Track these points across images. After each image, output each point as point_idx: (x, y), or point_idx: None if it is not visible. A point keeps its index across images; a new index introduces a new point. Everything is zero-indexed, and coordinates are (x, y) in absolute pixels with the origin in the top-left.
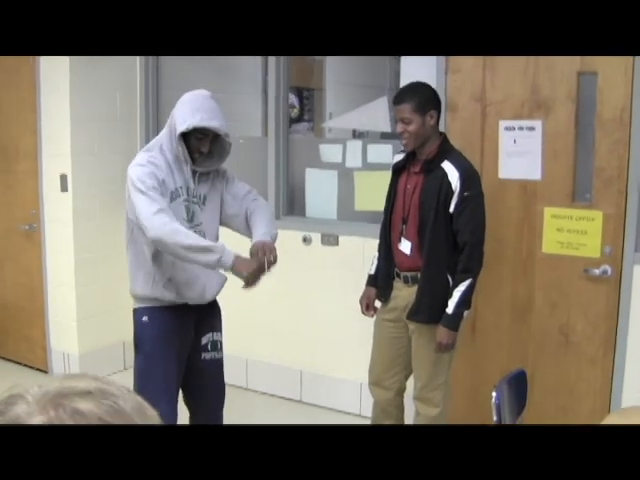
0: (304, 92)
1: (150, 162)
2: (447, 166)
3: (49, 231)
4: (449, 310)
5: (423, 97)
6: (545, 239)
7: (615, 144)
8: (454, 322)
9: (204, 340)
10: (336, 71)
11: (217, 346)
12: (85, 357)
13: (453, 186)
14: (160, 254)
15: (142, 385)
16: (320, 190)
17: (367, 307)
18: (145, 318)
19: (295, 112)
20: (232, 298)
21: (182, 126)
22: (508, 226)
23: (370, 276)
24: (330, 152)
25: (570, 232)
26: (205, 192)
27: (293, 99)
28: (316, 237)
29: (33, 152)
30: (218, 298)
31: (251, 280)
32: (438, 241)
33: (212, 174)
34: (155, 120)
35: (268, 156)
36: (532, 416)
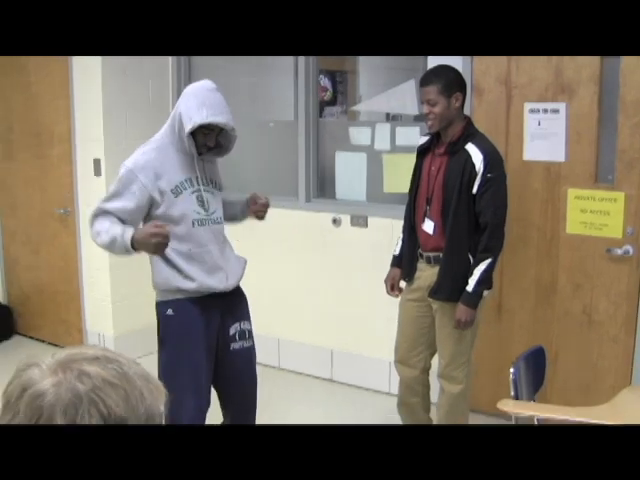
0: (337, 75)
1: (141, 166)
2: (471, 148)
3: (83, 215)
4: (469, 288)
5: (449, 79)
6: (569, 220)
7: (637, 126)
8: (473, 300)
9: (232, 330)
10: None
11: (245, 335)
12: (120, 338)
13: (477, 168)
14: (190, 250)
15: (168, 380)
16: (350, 172)
17: (392, 287)
18: (170, 311)
19: (328, 95)
20: (263, 279)
21: (189, 125)
22: (532, 207)
23: (394, 257)
24: (359, 135)
25: (593, 213)
26: (214, 177)
27: (326, 82)
28: (346, 219)
29: (67, 137)
30: (248, 282)
31: (160, 246)
32: (461, 221)
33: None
34: None
35: (298, 139)
36: (556, 393)
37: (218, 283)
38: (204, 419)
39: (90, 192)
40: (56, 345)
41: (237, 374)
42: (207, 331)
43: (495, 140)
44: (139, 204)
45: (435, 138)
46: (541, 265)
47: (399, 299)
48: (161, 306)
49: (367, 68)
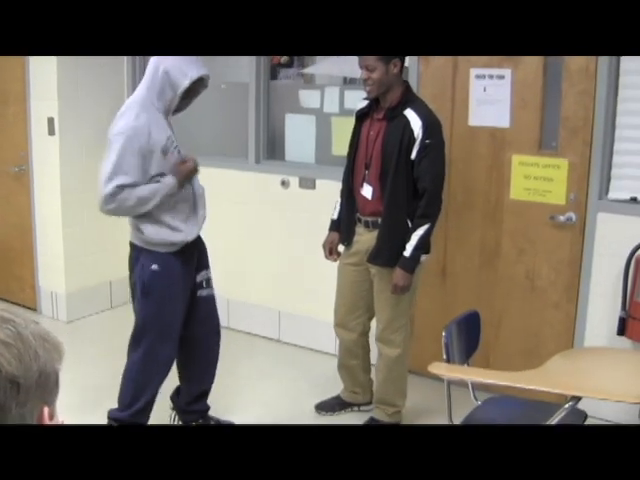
0: None
1: (136, 131)
2: (410, 114)
3: (37, 173)
4: (406, 253)
5: None
6: (513, 186)
7: (581, 94)
8: (410, 265)
9: (199, 278)
10: None
11: (210, 283)
12: (72, 296)
13: (415, 134)
14: (167, 203)
15: (145, 329)
16: (299, 135)
17: (330, 252)
18: (155, 266)
19: (285, 58)
20: (212, 239)
21: (186, 80)
22: (478, 173)
23: (332, 221)
24: (309, 98)
25: (537, 179)
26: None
27: None
28: (294, 180)
29: (21, 96)
30: None
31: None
32: (399, 187)
33: None
34: (142, 65)
35: (249, 101)
36: (499, 358)
37: (197, 230)
38: (170, 369)
39: (44, 151)
40: (9, 302)
41: (204, 318)
42: (185, 283)
43: (441, 105)
44: (144, 167)
45: (374, 103)
46: (485, 230)
47: (337, 263)
48: (145, 259)
49: None
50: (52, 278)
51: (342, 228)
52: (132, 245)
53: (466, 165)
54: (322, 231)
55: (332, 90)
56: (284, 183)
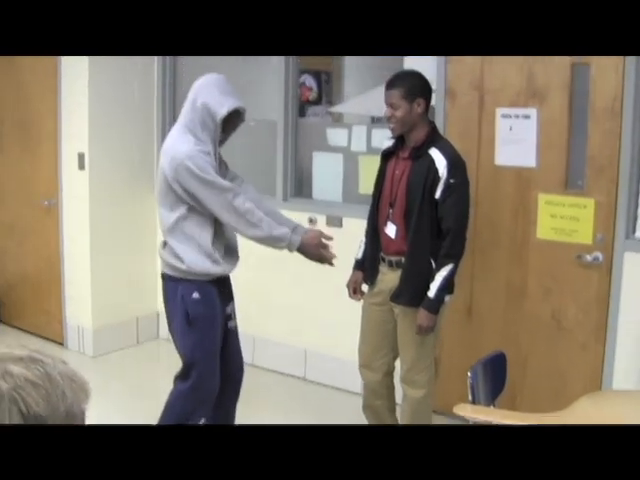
0: (322, 75)
1: (205, 152)
2: (435, 153)
3: (67, 207)
4: (430, 293)
5: (412, 85)
6: (539, 225)
7: (607, 133)
8: (434, 305)
9: (228, 310)
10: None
11: (235, 314)
12: (99, 331)
13: (440, 173)
14: (215, 235)
15: (198, 357)
16: (326, 173)
17: (354, 291)
18: (196, 294)
19: (313, 95)
20: (239, 276)
21: (223, 110)
22: (504, 212)
23: (357, 260)
24: (337, 136)
25: (563, 219)
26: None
27: (311, 82)
28: (321, 218)
29: (53, 132)
30: None
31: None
32: (423, 226)
33: None
34: (172, 104)
35: (277, 139)
36: (525, 399)
37: (232, 266)
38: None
39: (74, 185)
40: (38, 336)
41: (231, 350)
42: (221, 313)
43: (467, 144)
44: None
45: (400, 142)
46: (511, 269)
47: (362, 302)
48: (185, 289)
49: (352, 68)
50: (79, 313)
51: (366, 267)
52: (167, 277)
53: (492, 204)
54: (348, 269)
55: (360, 129)
56: (311, 221)
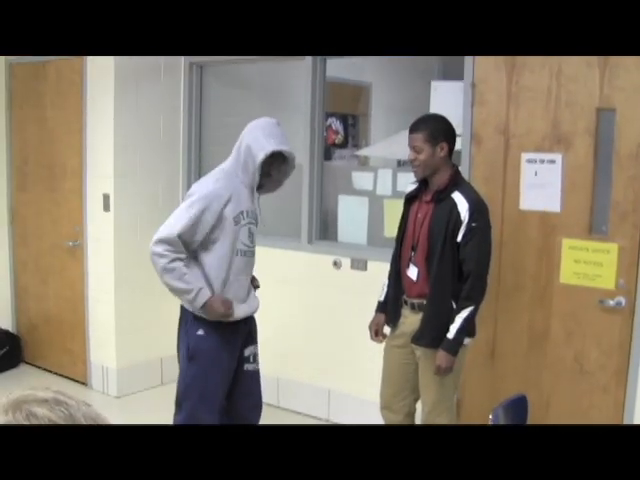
0: (349, 118)
1: (213, 193)
2: (457, 197)
3: (92, 248)
4: (450, 335)
5: (436, 128)
6: (562, 269)
7: (631, 179)
8: (453, 347)
9: (247, 352)
10: (381, 97)
11: (256, 358)
12: (123, 371)
13: (462, 216)
14: (228, 277)
15: (188, 392)
16: (352, 216)
17: (376, 333)
18: (201, 332)
19: (339, 138)
20: (264, 319)
21: (262, 153)
22: (527, 256)
23: (379, 302)
24: (362, 179)
25: (586, 263)
26: (256, 212)
27: (337, 125)
28: (346, 261)
29: (79, 172)
30: None
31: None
32: (445, 269)
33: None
34: (197, 144)
35: (302, 181)
36: None
37: (243, 312)
38: None
39: (99, 226)
40: (61, 375)
41: (247, 393)
42: (230, 354)
43: (492, 189)
44: (205, 229)
45: (423, 186)
46: (534, 312)
47: (384, 344)
48: (192, 324)
49: (378, 111)
50: (103, 353)
51: (389, 309)
52: (182, 308)
53: (516, 248)
54: (372, 312)
55: (385, 172)
56: (336, 264)
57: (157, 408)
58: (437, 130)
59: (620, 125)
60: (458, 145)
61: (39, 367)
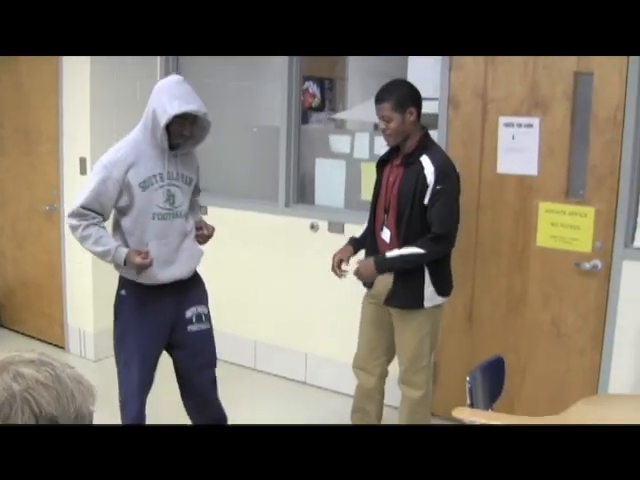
0: (325, 82)
1: (113, 162)
2: (425, 160)
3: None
4: (388, 254)
5: (401, 95)
6: (539, 233)
7: (608, 143)
8: (381, 264)
9: (188, 314)
10: (358, 61)
11: (202, 318)
12: (100, 335)
13: (428, 180)
14: (143, 240)
15: (117, 349)
16: (329, 179)
17: (339, 264)
18: (123, 291)
19: (316, 102)
20: (241, 281)
21: (164, 117)
22: (505, 219)
23: (352, 237)
24: (339, 143)
25: (563, 227)
26: (185, 172)
27: (314, 89)
28: (323, 224)
29: (55, 136)
30: (226, 284)
31: (143, 270)
32: (414, 231)
33: (190, 154)
34: None
35: (279, 145)
36: (524, 404)
37: (167, 277)
38: (146, 391)
39: (75, 190)
40: (39, 339)
41: (195, 353)
42: (156, 314)
43: (469, 153)
44: (111, 197)
45: (394, 150)
46: (512, 276)
47: (360, 306)
48: (120, 283)
49: (356, 75)
50: (81, 316)
51: None
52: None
53: (493, 212)
54: (349, 274)
55: (362, 136)
56: (313, 227)
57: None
58: (403, 96)
59: (598, 89)
60: (435, 109)
61: (17, 331)
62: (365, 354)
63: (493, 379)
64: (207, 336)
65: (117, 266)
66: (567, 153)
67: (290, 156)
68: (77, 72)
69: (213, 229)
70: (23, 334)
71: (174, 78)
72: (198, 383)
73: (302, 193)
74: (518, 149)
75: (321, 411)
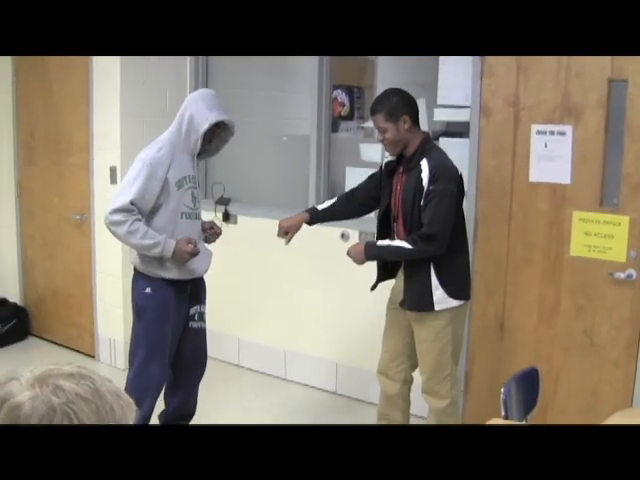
0: (354, 90)
1: (157, 161)
2: (423, 163)
3: (98, 221)
4: (378, 242)
5: (392, 104)
6: (573, 242)
7: None
8: (371, 250)
9: (192, 311)
10: (387, 69)
11: (203, 317)
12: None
13: (423, 182)
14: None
15: (137, 347)
16: None
17: (286, 231)
18: (148, 290)
19: (345, 110)
20: (271, 290)
21: (205, 123)
22: (537, 229)
23: (313, 207)
24: (369, 151)
25: (597, 236)
26: (198, 177)
27: (343, 97)
28: (354, 234)
29: (85, 145)
30: (255, 292)
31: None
32: None
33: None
34: None
35: (310, 154)
36: (556, 415)
37: (190, 274)
38: (159, 390)
39: (106, 200)
40: (68, 348)
41: (192, 349)
42: (177, 311)
43: (501, 161)
44: (155, 194)
45: (400, 157)
46: (544, 286)
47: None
48: (140, 281)
49: (384, 83)
50: (111, 325)
51: (378, 269)
52: (134, 269)
53: (525, 221)
54: (380, 285)
55: None
56: (344, 236)
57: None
58: (395, 106)
59: (632, 96)
60: (466, 117)
61: (46, 340)
62: (387, 359)
63: (527, 390)
64: (204, 335)
65: (162, 258)
66: (601, 161)
67: (320, 165)
68: (107, 82)
69: (220, 228)
70: (53, 343)
71: (209, 90)
72: (188, 378)
73: None
74: (551, 157)
75: (355, 420)
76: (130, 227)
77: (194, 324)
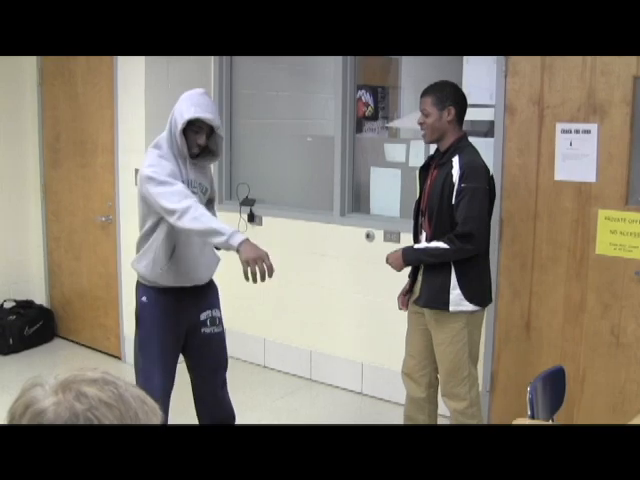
0: (379, 90)
1: (161, 157)
2: (455, 160)
3: (124, 223)
4: (415, 246)
5: (444, 93)
6: (598, 241)
7: None
8: (409, 254)
9: (203, 316)
10: (411, 69)
11: (216, 322)
12: None
13: (454, 179)
14: (175, 250)
15: (141, 354)
16: (384, 188)
17: (402, 302)
18: (144, 298)
19: (369, 110)
20: (296, 291)
21: (180, 121)
22: (563, 227)
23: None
24: (394, 151)
25: (623, 234)
26: (201, 181)
27: (368, 98)
28: (379, 234)
29: (110, 147)
30: (281, 294)
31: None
32: (440, 230)
33: (206, 165)
34: (228, 118)
35: (334, 154)
36: (582, 414)
37: (189, 282)
38: (169, 397)
39: (131, 201)
40: (94, 349)
41: (207, 355)
42: (176, 319)
43: (526, 160)
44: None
45: (433, 155)
46: (570, 285)
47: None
48: (139, 290)
49: (408, 83)
50: None
51: (410, 276)
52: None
53: (551, 220)
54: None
55: (417, 143)
56: (369, 236)
57: (188, 381)
58: (445, 94)
59: None
60: (491, 116)
61: (73, 341)
62: (411, 362)
63: (554, 390)
64: (220, 339)
65: (227, 248)
66: (626, 159)
67: (345, 165)
68: (132, 84)
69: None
70: (79, 344)
71: (198, 90)
72: (211, 384)
73: (357, 202)
74: (576, 156)
75: (381, 421)
76: (196, 211)
77: (206, 330)
